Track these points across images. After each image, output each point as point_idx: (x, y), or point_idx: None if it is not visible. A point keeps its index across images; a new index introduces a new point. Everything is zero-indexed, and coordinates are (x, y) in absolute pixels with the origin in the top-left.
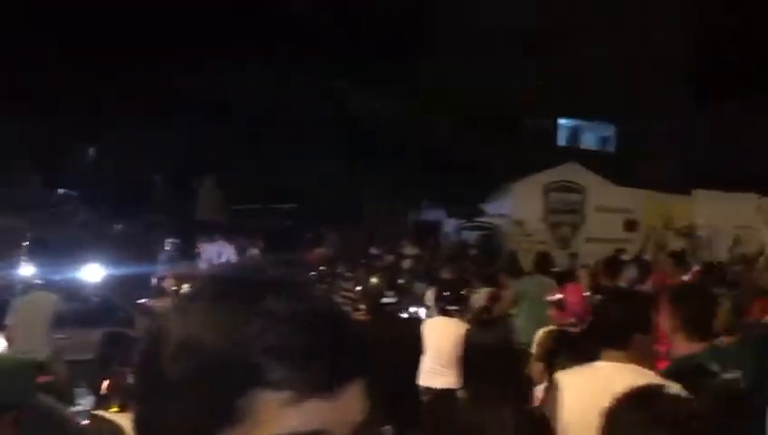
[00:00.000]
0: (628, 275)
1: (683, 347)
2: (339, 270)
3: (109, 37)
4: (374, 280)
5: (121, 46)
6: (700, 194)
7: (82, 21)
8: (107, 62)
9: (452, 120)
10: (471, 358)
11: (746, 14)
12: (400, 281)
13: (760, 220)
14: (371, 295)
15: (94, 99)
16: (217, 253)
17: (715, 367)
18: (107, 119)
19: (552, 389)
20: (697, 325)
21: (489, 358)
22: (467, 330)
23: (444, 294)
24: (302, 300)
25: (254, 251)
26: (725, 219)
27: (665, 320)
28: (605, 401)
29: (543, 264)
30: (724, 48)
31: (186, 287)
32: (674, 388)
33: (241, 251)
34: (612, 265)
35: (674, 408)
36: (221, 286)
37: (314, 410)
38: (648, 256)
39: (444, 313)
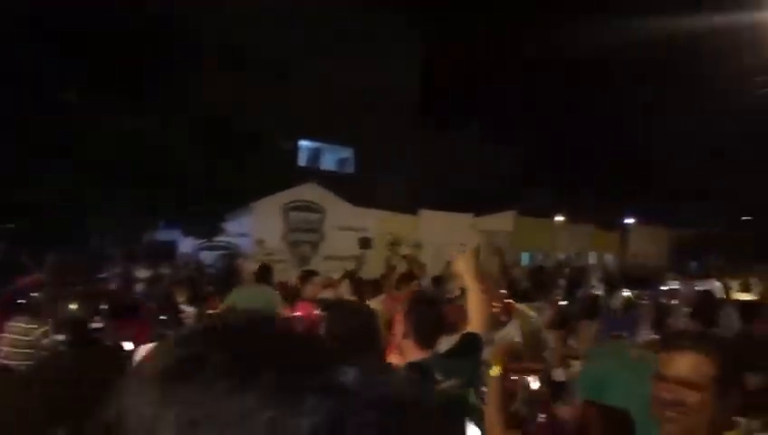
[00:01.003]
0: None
1: (412, 354)
2: (52, 296)
3: None
4: (73, 306)
5: None
6: (425, 213)
7: None
8: None
9: (191, 137)
10: None
11: (468, 49)
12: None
13: (475, 238)
14: (71, 324)
15: None
16: None
17: (438, 375)
18: None
19: None
20: (424, 333)
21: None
22: None
23: (159, 318)
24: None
25: None
26: (446, 237)
27: (399, 329)
28: None
29: (265, 275)
30: (447, 79)
31: None
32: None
33: None
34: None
35: None
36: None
37: None
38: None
39: (158, 338)
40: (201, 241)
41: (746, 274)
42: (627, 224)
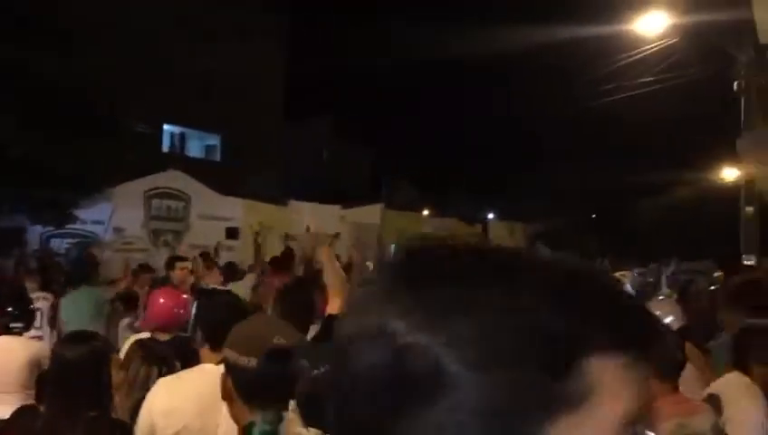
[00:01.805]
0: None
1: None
2: None
3: None
4: None
5: None
6: (294, 204)
7: None
8: None
9: (43, 120)
10: (54, 375)
11: (339, 40)
12: None
13: (343, 230)
14: None
15: None
16: None
17: (305, 363)
18: None
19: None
20: (292, 321)
21: (73, 372)
22: (56, 345)
23: (7, 310)
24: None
25: None
26: (316, 228)
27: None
28: (193, 403)
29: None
30: (315, 70)
31: None
32: None
33: None
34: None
35: None
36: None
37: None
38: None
39: (6, 331)
40: (50, 229)
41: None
42: (487, 219)
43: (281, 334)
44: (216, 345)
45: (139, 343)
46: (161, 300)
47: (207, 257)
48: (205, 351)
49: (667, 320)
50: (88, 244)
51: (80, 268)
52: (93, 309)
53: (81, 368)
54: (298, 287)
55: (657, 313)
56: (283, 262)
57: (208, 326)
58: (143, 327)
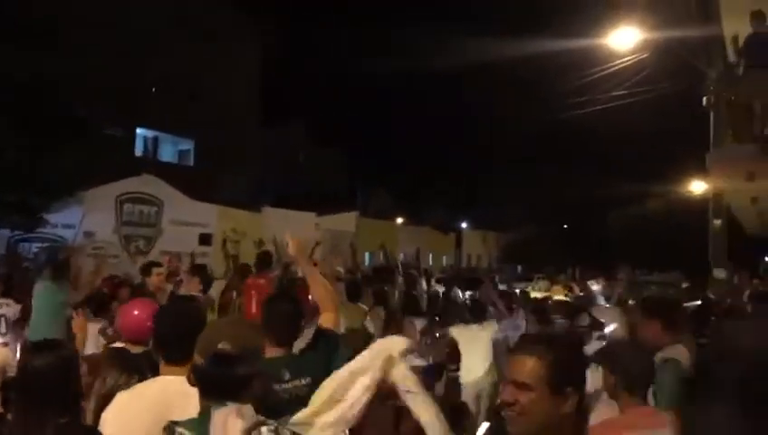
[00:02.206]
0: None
1: (269, 351)
2: None
3: None
4: None
5: None
6: (269, 211)
7: None
8: None
9: (12, 122)
10: (22, 383)
11: (315, 46)
12: None
13: (318, 236)
14: None
15: None
16: None
17: (286, 374)
18: None
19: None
20: (275, 331)
21: (42, 380)
22: (22, 353)
23: None
24: None
25: None
26: (290, 234)
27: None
28: (152, 416)
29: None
30: (290, 75)
31: None
32: None
33: None
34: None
35: None
36: None
37: None
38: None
39: None
40: (17, 232)
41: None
42: (461, 228)
43: (228, 340)
44: (169, 357)
45: (115, 350)
46: (135, 311)
47: (197, 267)
48: (162, 363)
49: (611, 326)
50: (57, 248)
51: (48, 268)
52: (53, 307)
53: (49, 376)
54: (281, 298)
55: (602, 320)
56: (262, 264)
57: (158, 338)
58: (115, 338)
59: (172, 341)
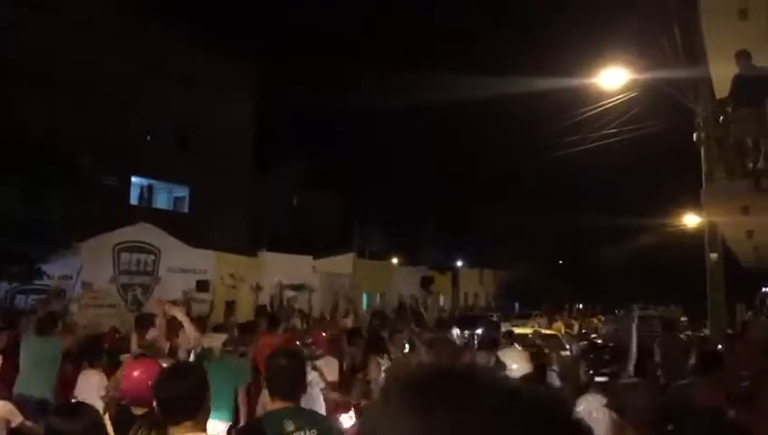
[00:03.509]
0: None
1: (273, 405)
2: None
3: None
4: None
5: None
6: (266, 255)
7: None
8: None
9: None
10: None
11: (308, 90)
12: None
13: (316, 278)
14: None
15: None
16: None
17: (290, 425)
18: None
19: None
20: (278, 386)
21: None
22: (49, 416)
23: None
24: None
25: None
26: (287, 277)
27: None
28: None
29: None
30: (284, 120)
31: None
32: None
33: None
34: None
35: None
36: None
37: None
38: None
39: None
40: (15, 284)
41: (557, 312)
42: (457, 266)
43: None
44: (174, 420)
45: (120, 410)
46: (136, 373)
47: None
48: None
49: (513, 367)
50: (59, 299)
51: (34, 322)
52: (38, 361)
53: None
54: (281, 354)
55: (507, 361)
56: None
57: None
58: (119, 398)
59: (175, 403)
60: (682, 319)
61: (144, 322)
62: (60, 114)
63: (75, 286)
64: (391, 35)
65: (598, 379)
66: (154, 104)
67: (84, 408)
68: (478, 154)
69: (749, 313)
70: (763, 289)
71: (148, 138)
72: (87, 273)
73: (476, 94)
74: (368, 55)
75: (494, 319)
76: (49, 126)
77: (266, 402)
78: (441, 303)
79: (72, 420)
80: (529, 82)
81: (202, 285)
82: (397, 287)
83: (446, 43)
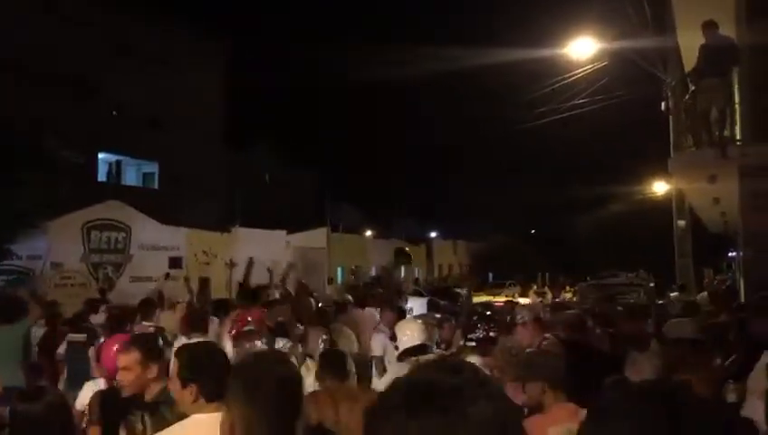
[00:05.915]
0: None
1: None
2: None
3: None
4: None
5: None
6: (239, 231)
7: None
8: None
9: None
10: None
11: (279, 66)
12: None
13: (288, 254)
14: None
15: None
16: None
17: None
18: None
19: None
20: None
21: (36, 429)
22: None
23: None
24: None
25: None
26: (261, 254)
27: None
28: None
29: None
30: (255, 95)
31: None
32: None
33: None
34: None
35: None
36: None
37: None
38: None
39: None
40: None
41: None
42: (431, 238)
43: None
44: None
45: (102, 394)
46: (116, 348)
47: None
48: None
49: (403, 339)
50: (23, 281)
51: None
52: (5, 350)
53: (44, 423)
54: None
55: (399, 332)
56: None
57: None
58: (99, 376)
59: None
60: (651, 284)
61: (149, 305)
62: (22, 96)
63: (45, 266)
64: (361, 10)
65: None
66: (123, 83)
67: (47, 390)
68: (450, 126)
69: (716, 277)
70: (730, 253)
71: (114, 113)
72: (56, 252)
73: (447, 66)
74: (338, 31)
75: (460, 290)
76: (11, 108)
77: None
78: (416, 274)
79: (34, 402)
80: (499, 53)
81: (175, 262)
82: (372, 260)
83: (414, 16)
